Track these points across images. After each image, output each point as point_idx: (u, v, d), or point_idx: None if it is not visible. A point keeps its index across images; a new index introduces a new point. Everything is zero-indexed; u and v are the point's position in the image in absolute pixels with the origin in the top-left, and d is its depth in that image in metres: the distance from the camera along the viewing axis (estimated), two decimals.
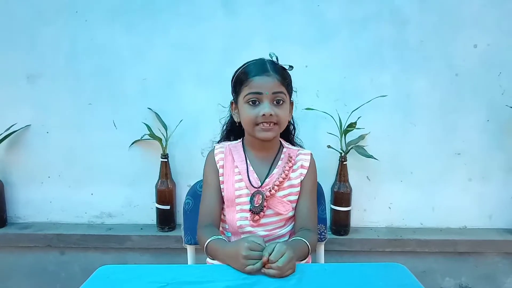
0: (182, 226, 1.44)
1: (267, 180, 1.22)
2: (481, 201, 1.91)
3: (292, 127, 1.37)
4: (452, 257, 1.88)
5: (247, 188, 1.22)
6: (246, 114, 1.17)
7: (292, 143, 1.36)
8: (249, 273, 0.95)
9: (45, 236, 1.85)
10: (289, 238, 1.27)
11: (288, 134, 1.36)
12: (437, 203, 1.91)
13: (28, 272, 1.92)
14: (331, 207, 1.83)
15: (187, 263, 1.39)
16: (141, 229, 1.89)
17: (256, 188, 1.21)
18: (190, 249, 1.39)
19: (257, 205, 1.20)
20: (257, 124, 1.16)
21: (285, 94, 1.18)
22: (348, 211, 1.83)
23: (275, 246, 0.96)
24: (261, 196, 1.20)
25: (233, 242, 1.01)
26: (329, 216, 1.82)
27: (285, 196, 1.23)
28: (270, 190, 1.20)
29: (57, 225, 1.93)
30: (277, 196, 1.21)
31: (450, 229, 1.92)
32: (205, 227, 1.20)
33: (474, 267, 1.89)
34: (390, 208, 1.92)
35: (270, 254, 0.95)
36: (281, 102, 1.17)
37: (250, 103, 1.16)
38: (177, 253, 1.81)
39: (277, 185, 1.21)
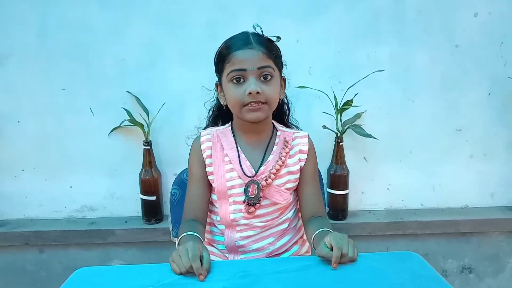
0: (170, 218, 1.33)
1: (262, 168, 1.10)
2: (483, 179, 1.83)
3: (286, 106, 1.25)
4: (454, 238, 1.81)
5: (240, 178, 1.10)
6: (231, 95, 1.05)
7: (287, 124, 1.24)
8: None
9: (21, 234, 1.71)
10: (288, 226, 1.16)
11: (282, 115, 1.24)
12: (437, 183, 1.83)
13: (5, 272, 1.78)
14: (327, 191, 1.73)
15: None
16: (126, 222, 1.76)
17: (250, 177, 1.09)
18: None
19: (253, 196, 1.08)
20: (245, 105, 1.03)
21: (273, 69, 1.05)
22: (346, 195, 1.73)
23: (334, 240, 0.90)
24: (256, 186, 1.08)
25: (184, 244, 0.90)
26: (326, 201, 1.72)
27: (282, 184, 1.11)
28: (266, 179, 1.09)
29: (34, 221, 1.79)
30: (274, 185, 1.10)
31: (451, 209, 1.84)
32: (186, 222, 1.09)
33: (477, 247, 1.83)
34: (389, 189, 1.83)
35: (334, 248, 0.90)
36: (269, 77, 1.04)
37: (234, 81, 1.04)
38: (165, 247, 1.69)
39: (274, 173, 1.09)
